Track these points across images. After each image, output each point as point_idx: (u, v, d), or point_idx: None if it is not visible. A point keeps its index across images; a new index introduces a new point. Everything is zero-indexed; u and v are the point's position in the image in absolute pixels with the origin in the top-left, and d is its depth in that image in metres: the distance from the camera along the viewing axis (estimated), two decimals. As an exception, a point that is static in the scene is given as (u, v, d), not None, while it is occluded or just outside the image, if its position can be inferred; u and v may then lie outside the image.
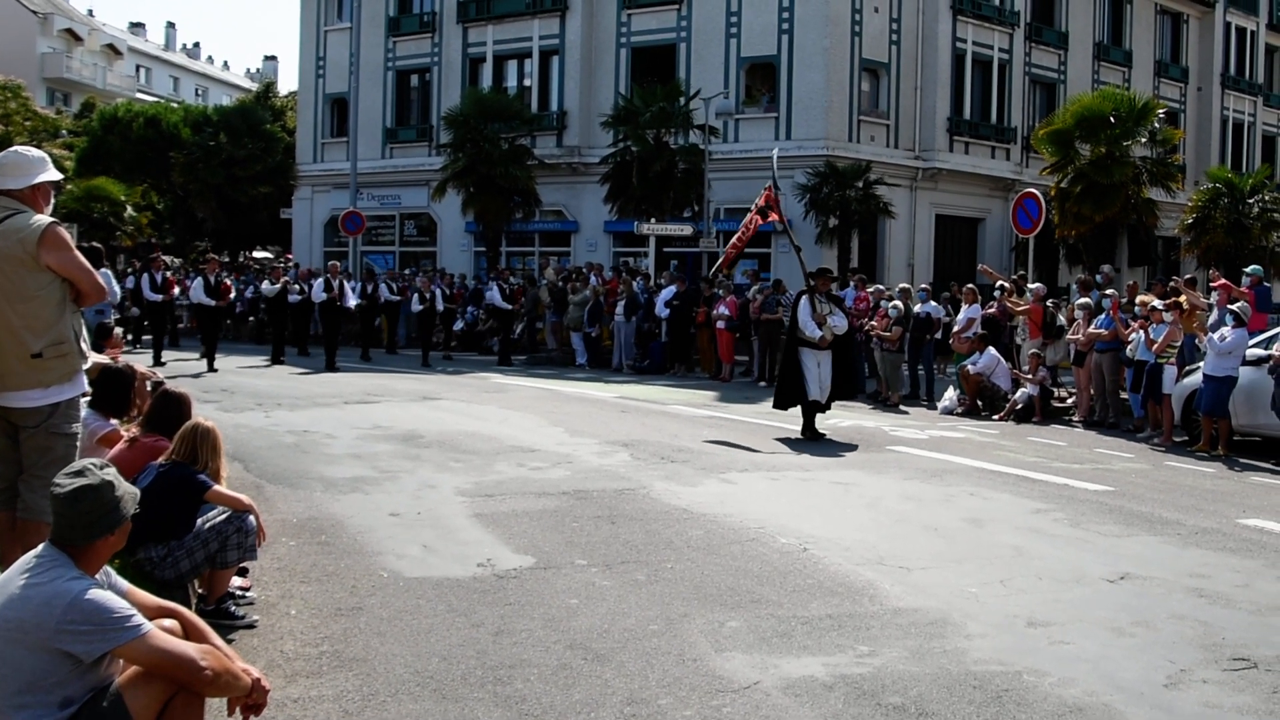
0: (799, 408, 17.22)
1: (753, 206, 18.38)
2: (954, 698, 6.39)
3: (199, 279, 26.26)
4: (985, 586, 8.73)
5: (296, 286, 27.92)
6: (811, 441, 16.55)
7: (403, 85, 45.28)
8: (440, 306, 30.47)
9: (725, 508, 11.30)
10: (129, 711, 4.37)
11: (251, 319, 35.87)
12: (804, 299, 17.24)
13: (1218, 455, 16.46)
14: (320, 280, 27.76)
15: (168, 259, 33.31)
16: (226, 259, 46.66)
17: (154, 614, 4.66)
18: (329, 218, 44.99)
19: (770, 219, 18.14)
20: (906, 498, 12.42)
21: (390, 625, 7.46)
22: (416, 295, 30.24)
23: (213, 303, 25.56)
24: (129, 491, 4.63)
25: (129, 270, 31.44)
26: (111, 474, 4.60)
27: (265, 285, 29.00)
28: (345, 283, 28.24)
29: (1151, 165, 32.88)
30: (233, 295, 28.13)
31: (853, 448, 16.04)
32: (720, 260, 20.35)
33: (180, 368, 24.14)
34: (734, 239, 18.76)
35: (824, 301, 17.18)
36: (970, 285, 23.60)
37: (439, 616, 7.64)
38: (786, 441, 16.43)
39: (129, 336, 29.20)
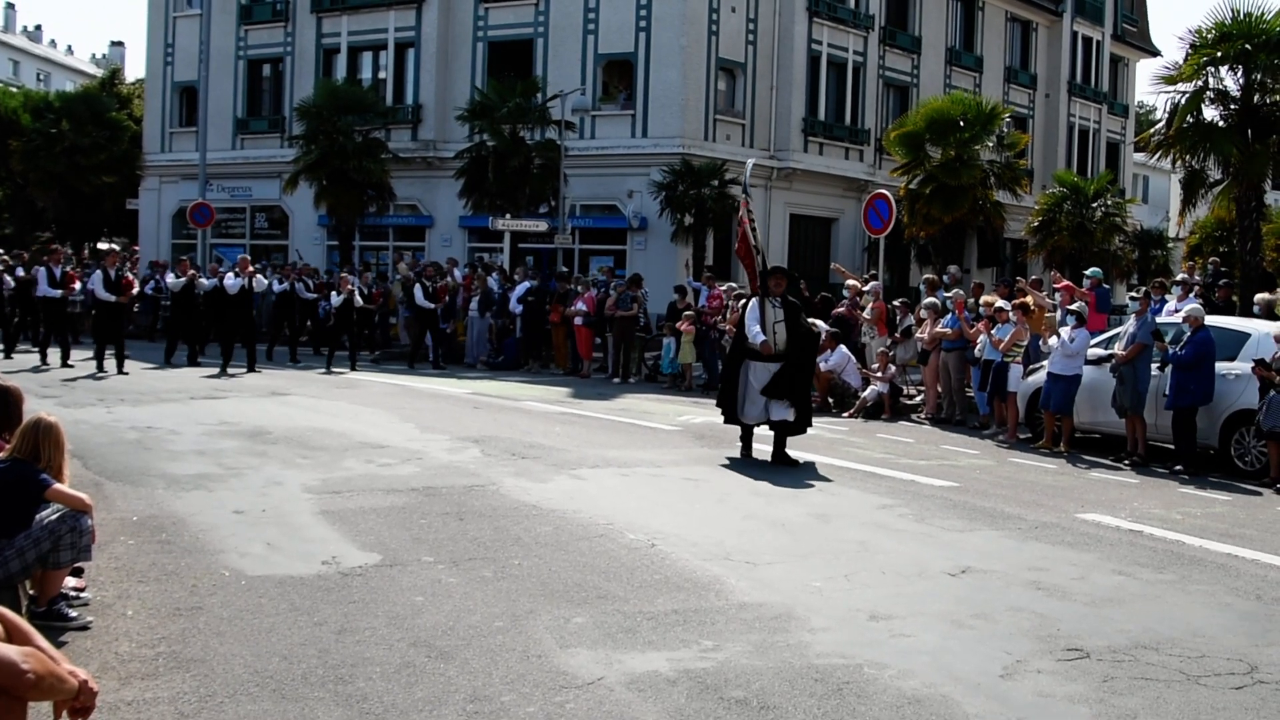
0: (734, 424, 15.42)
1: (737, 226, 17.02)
2: (796, 691, 6.47)
3: (98, 273, 24.20)
4: (830, 581, 8.86)
5: (201, 278, 26.10)
6: (747, 462, 14.61)
7: (254, 75, 44.44)
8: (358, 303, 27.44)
9: (575, 504, 11.32)
10: (-54, 717, 4.24)
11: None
12: (753, 301, 15.17)
13: (1060, 452, 16.88)
14: (231, 272, 25.97)
15: (68, 251, 30.87)
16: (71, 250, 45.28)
17: (-25, 616, 4.52)
18: (177, 209, 43.96)
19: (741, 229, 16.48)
20: (755, 494, 12.56)
21: (230, 625, 7.34)
22: (334, 291, 27.57)
23: (113, 298, 23.38)
24: None
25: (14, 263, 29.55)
26: None
27: (170, 278, 27.17)
28: (258, 276, 26.51)
29: (999, 169, 33.59)
30: (135, 290, 25.95)
31: (825, 479, 13.65)
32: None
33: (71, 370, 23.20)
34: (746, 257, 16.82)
35: (777, 305, 14.98)
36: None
37: (281, 615, 7.54)
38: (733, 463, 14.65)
39: (25, 334, 27.60)
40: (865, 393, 20.81)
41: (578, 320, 26.28)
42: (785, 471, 14.00)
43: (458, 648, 7.01)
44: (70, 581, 7.57)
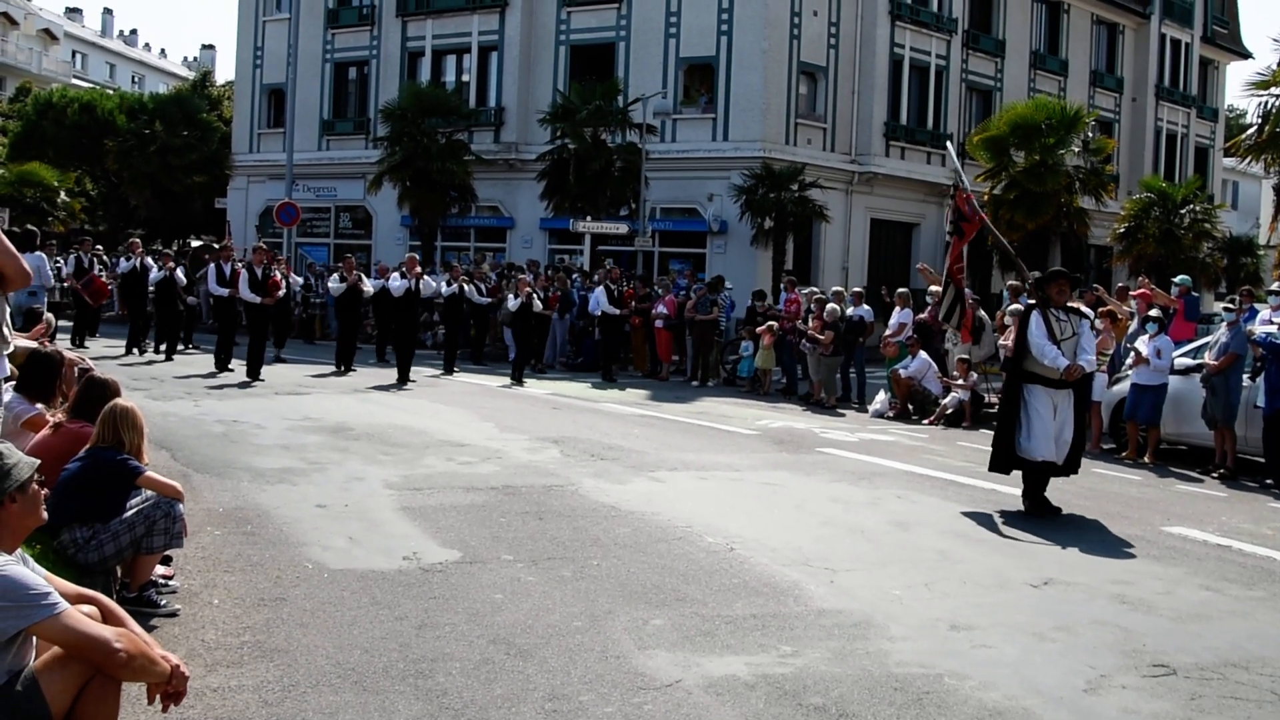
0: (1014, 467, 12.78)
1: (948, 226, 14.88)
2: (875, 699, 6.43)
3: (243, 272, 22.64)
4: (909, 589, 8.79)
5: (362, 279, 24.57)
6: (1038, 517, 12.19)
7: (340, 77, 45.03)
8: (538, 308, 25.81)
9: (653, 506, 11.33)
10: (44, 695, 4.34)
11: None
12: (1034, 315, 12.50)
13: (1145, 463, 16.63)
14: (396, 273, 24.88)
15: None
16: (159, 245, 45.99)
17: (72, 600, 4.61)
18: (264, 208, 44.65)
19: (967, 229, 14.78)
20: (834, 500, 12.48)
21: (313, 616, 7.43)
22: (511, 296, 25.25)
23: (258, 299, 22.27)
24: (22, 460, 4.61)
25: (180, 261, 28.51)
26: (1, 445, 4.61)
27: (333, 282, 25.38)
28: (425, 278, 24.63)
29: (1084, 174, 33.21)
30: (282, 292, 23.95)
31: (1098, 526, 11.80)
32: (961, 312, 15.88)
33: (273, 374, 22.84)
34: (951, 269, 15.32)
35: (1062, 319, 12.47)
36: (901, 290, 23.79)
37: (362, 609, 7.62)
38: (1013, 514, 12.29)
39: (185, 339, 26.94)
40: (946, 400, 20.64)
41: (658, 323, 26.30)
42: (864, 479, 13.87)
43: (536, 646, 7.04)
44: (159, 569, 7.70)
